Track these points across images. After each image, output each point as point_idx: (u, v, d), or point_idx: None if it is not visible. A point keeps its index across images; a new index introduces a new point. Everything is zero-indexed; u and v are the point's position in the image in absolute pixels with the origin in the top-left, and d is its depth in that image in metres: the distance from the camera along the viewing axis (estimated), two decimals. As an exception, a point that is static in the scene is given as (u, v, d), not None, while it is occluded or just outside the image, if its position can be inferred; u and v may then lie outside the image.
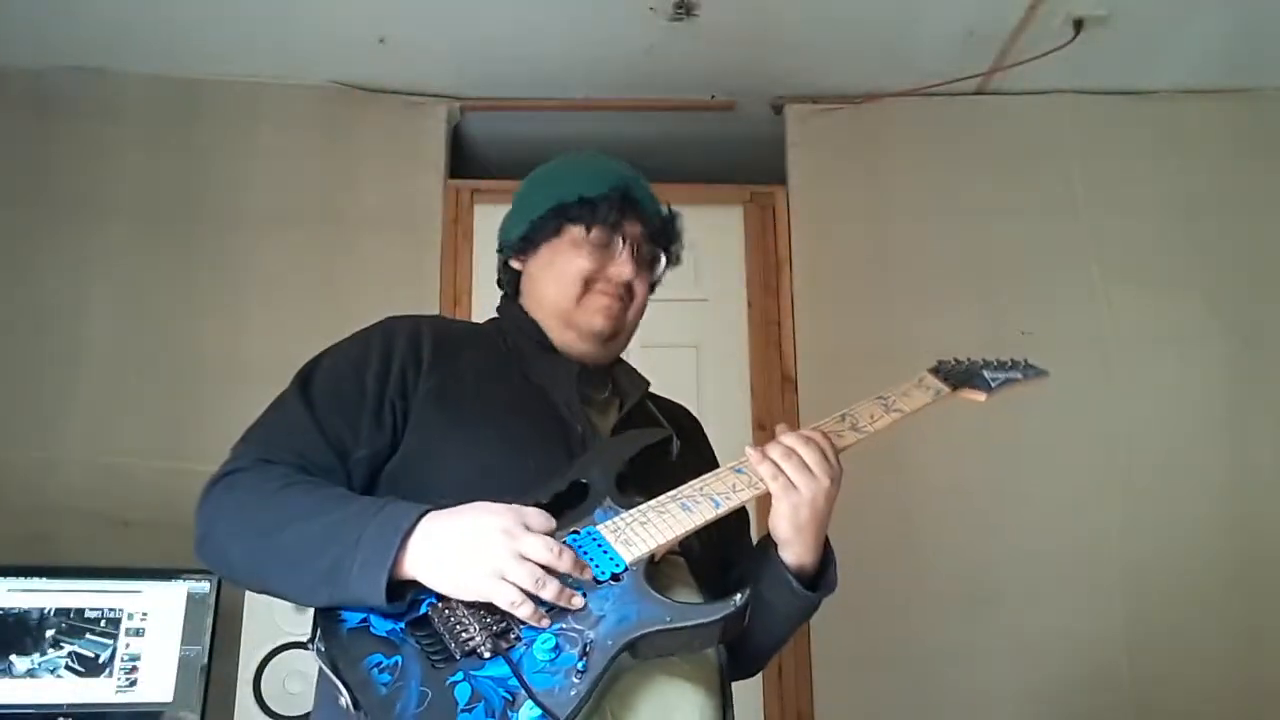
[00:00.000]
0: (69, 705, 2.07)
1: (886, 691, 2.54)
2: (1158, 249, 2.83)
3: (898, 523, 2.65)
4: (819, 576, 1.15)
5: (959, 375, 1.29)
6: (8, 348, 2.59)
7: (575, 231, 1.23)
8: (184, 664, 2.13)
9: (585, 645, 0.94)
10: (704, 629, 0.98)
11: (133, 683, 2.11)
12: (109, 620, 2.13)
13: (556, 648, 0.94)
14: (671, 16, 2.57)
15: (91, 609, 2.13)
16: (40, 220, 2.68)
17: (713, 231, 2.95)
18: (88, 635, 2.11)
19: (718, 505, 1.06)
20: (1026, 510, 2.66)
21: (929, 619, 2.59)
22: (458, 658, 0.93)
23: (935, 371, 1.29)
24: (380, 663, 0.93)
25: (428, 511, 0.98)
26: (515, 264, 1.31)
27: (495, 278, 1.38)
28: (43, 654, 2.09)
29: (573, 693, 0.91)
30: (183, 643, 2.14)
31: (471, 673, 0.92)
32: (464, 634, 0.94)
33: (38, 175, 2.72)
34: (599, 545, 1.02)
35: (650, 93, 2.95)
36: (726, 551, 1.24)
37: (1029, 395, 2.64)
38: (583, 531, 1.03)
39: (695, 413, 1.46)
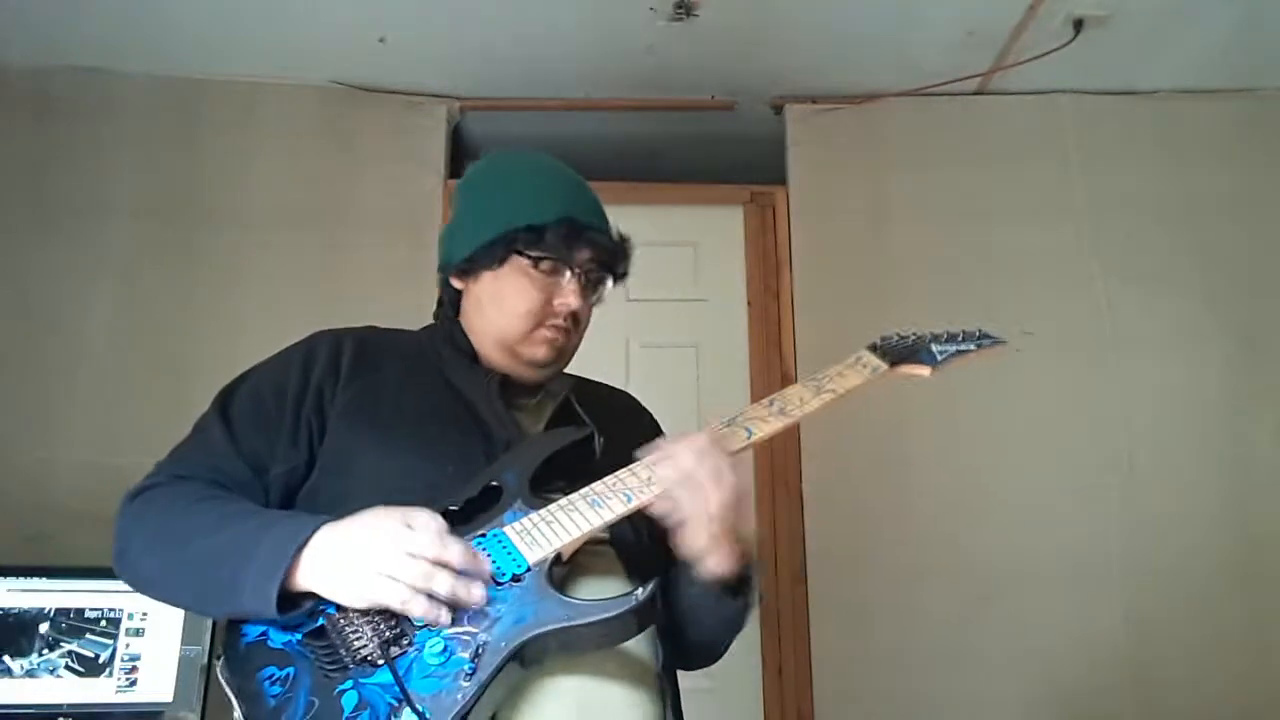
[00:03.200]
0: (69, 705, 2.07)
1: (886, 691, 2.54)
2: (1158, 249, 2.83)
3: (897, 523, 2.65)
4: (743, 581, 1.12)
5: (900, 351, 1.23)
6: (8, 348, 2.59)
7: (521, 262, 1.19)
8: (184, 664, 2.13)
9: (478, 648, 0.94)
10: (605, 625, 0.96)
11: (133, 683, 2.11)
12: (109, 620, 2.13)
13: (445, 650, 0.94)
14: (671, 16, 2.57)
15: (91, 609, 2.13)
16: (40, 220, 2.68)
17: (713, 231, 2.95)
18: (88, 635, 2.11)
19: (629, 500, 1.04)
20: (1026, 510, 2.66)
21: (929, 619, 2.59)
22: (350, 666, 0.94)
23: (874, 349, 1.23)
24: (273, 675, 0.95)
25: (323, 524, 0.99)
26: (457, 283, 1.26)
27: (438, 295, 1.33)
28: (42, 654, 2.09)
29: (459, 695, 0.91)
30: (183, 643, 2.14)
31: (361, 680, 0.93)
32: (357, 642, 0.95)
33: (38, 175, 2.72)
34: (503, 547, 1.01)
35: (650, 93, 2.95)
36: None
37: (1029, 396, 2.67)
38: (489, 534, 1.03)
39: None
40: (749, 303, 2.91)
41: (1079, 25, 2.60)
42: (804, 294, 2.85)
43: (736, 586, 1.11)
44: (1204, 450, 2.70)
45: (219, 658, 1.01)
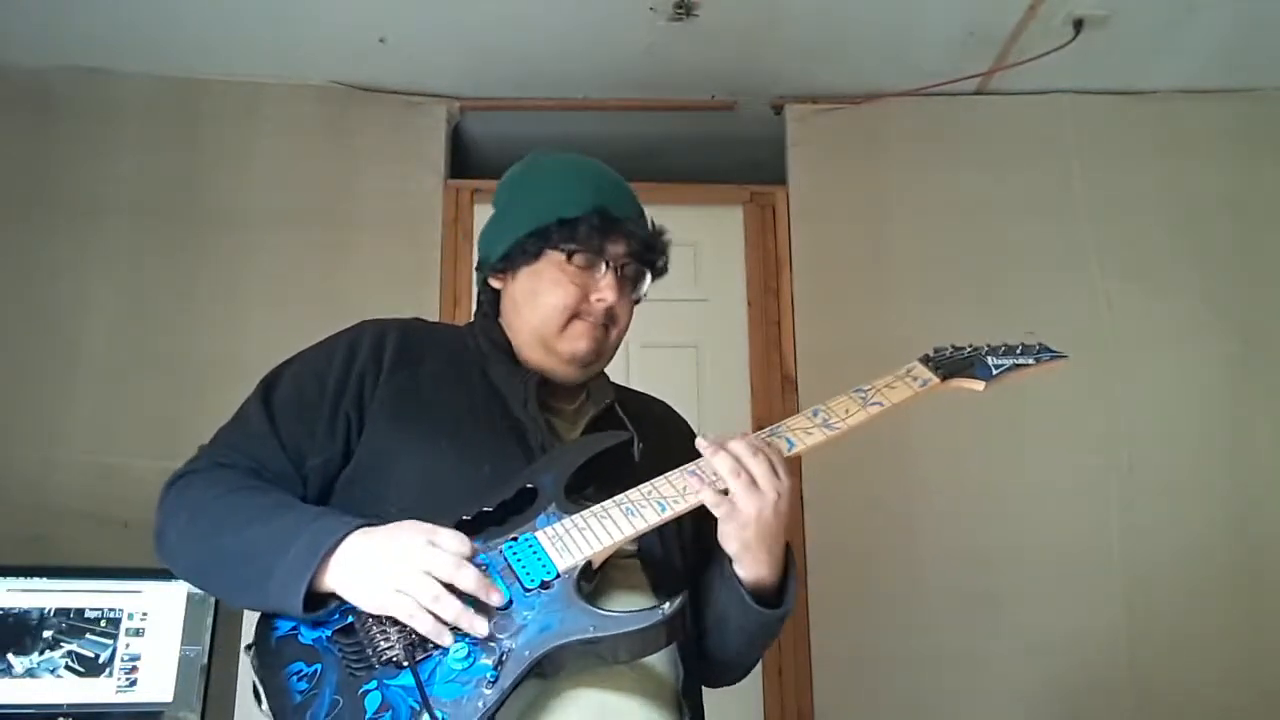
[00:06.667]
0: (69, 705, 2.07)
1: (886, 691, 2.54)
2: (1158, 248, 2.83)
3: (898, 523, 2.65)
4: (779, 591, 1.11)
5: (954, 364, 1.18)
6: (8, 348, 2.59)
7: (556, 257, 1.18)
8: (184, 664, 2.13)
9: (502, 655, 0.94)
10: (631, 637, 0.96)
11: (133, 683, 2.11)
12: (109, 620, 2.13)
13: (470, 656, 0.94)
14: (671, 16, 2.57)
15: (91, 609, 2.13)
16: (40, 220, 2.68)
17: (713, 231, 2.95)
18: (88, 635, 2.11)
19: (663, 509, 1.03)
20: (1027, 510, 2.66)
21: (929, 619, 2.59)
22: (376, 666, 0.94)
23: (927, 360, 1.18)
24: (300, 670, 0.96)
25: (357, 528, 0.99)
26: (495, 283, 1.26)
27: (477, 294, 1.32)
28: (42, 654, 2.09)
29: (480, 703, 0.91)
30: (183, 643, 2.14)
31: (385, 681, 0.93)
32: (384, 642, 0.95)
33: (38, 175, 2.72)
34: (534, 552, 1.01)
35: (650, 93, 2.95)
36: (705, 547, 1.20)
37: (1029, 395, 2.67)
38: (520, 538, 1.02)
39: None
40: (749, 303, 2.91)
41: (1079, 25, 2.60)
42: (804, 294, 2.85)
43: (773, 595, 1.10)
44: (1204, 449, 2.70)
45: (249, 648, 1.01)
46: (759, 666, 2.59)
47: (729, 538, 1.06)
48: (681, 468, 1.07)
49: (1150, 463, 2.68)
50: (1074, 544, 2.63)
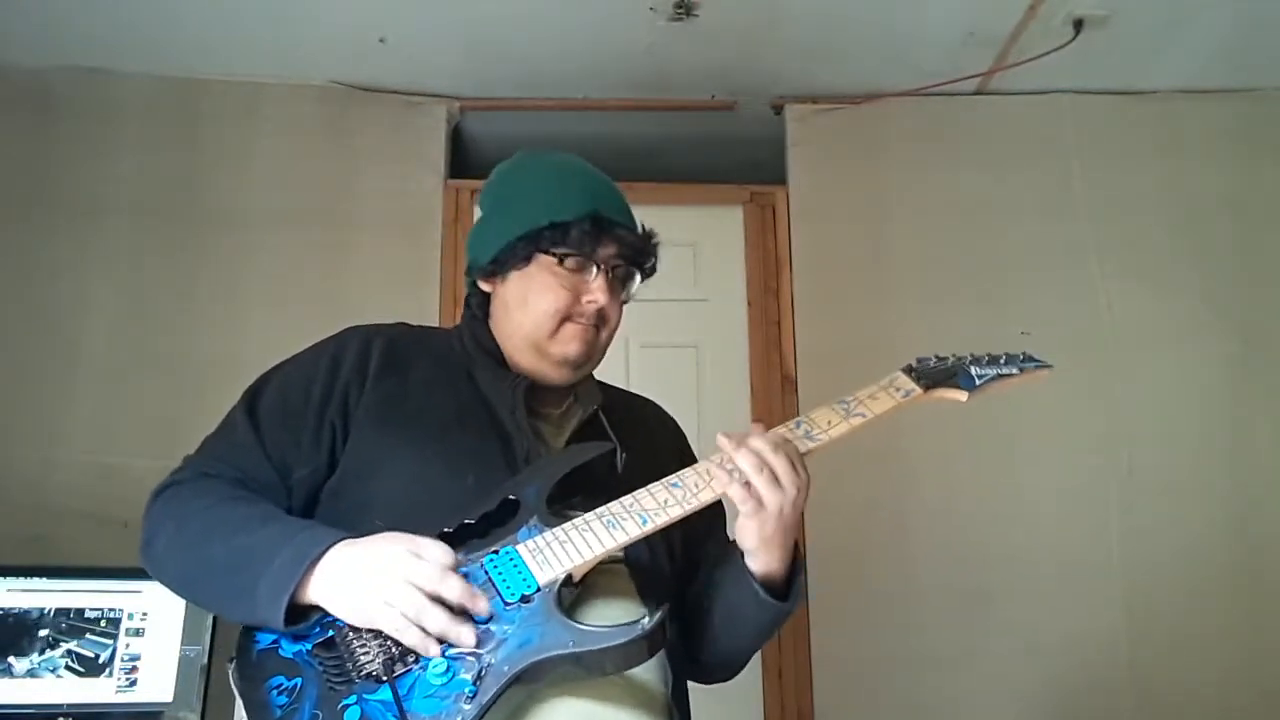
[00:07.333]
0: (69, 705, 2.06)
1: (886, 692, 2.54)
2: (1158, 248, 2.83)
3: (897, 523, 2.66)
4: (788, 584, 1.11)
5: (937, 374, 1.17)
6: (8, 348, 2.59)
7: (547, 260, 1.17)
8: (184, 664, 2.13)
9: (481, 670, 0.93)
10: (611, 652, 0.96)
11: (133, 683, 2.10)
12: (109, 620, 2.13)
13: (449, 671, 0.93)
14: (671, 16, 2.57)
15: (91, 609, 2.12)
16: (40, 220, 2.68)
17: (713, 231, 2.95)
18: (88, 635, 2.11)
19: (645, 522, 1.03)
20: (1026, 510, 2.66)
21: (929, 619, 2.59)
22: (355, 681, 0.94)
23: (910, 371, 1.17)
24: (280, 684, 0.96)
25: (339, 540, 0.99)
26: (484, 286, 1.25)
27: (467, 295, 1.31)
28: (42, 654, 2.09)
29: (459, 718, 0.91)
30: (183, 643, 2.14)
31: (364, 696, 0.93)
32: (364, 657, 0.95)
33: (38, 175, 2.72)
34: (514, 565, 1.00)
35: (650, 93, 2.95)
36: (694, 553, 1.21)
37: (1029, 395, 2.66)
38: (501, 551, 1.02)
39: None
40: (749, 303, 2.91)
41: (1079, 25, 2.60)
42: (804, 294, 2.84)
43: (783, 588, 1.11)
44: (1204, 450, 2.70)
45: (231, 660, 1.01)
46: (759, 666, 2.60)
47: (748, 532, 1.06)
48: (663, 480, 1.06)
49: (1150, 463, 2.68)
50: (1074, 544, 2.63)
